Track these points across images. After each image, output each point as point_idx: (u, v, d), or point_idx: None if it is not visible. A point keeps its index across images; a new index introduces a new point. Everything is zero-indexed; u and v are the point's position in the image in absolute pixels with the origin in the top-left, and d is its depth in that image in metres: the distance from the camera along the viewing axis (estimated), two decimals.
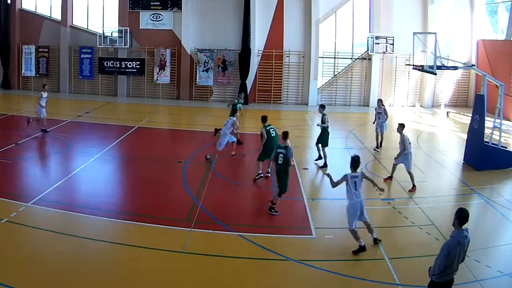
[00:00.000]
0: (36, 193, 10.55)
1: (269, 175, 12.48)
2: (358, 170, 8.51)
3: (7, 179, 11.76)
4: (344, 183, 8.46)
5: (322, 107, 14.24)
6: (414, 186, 11.77)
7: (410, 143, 12.07)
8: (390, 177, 12.42)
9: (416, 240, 9.13)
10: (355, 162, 8.48)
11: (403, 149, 11.89)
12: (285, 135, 10.47)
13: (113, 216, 9.70)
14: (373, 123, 16.31)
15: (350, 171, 8.48)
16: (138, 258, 8.01)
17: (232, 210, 10.47)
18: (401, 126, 12.22)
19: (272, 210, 10.08)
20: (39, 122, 16.69)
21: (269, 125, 12.65)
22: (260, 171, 12.40)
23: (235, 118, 14.28)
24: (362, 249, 8.34)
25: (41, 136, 16.32)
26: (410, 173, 11.86)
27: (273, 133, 12.45)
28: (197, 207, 10.23)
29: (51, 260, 7.75)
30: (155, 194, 11.25)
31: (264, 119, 12.91)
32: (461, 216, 5.82)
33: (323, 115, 13.97)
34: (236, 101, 16.36)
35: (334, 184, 8.55)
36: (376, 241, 8.62)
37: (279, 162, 10.08)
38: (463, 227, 5.82)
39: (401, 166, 12.22)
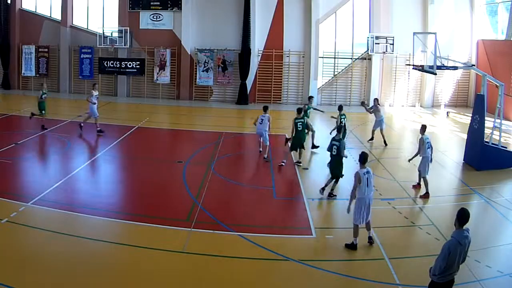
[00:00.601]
0: (36, 193, 10.55)
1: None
2: (367, 166, 8.72)
3: (7, 179, 11.76)
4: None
5: (340, 108, 14.30)
6: (427, 192, 11.23)
7: (429, 147, 11.44)
8: (426, 192, 11.29)
9: (416, 240, 9.14)
10: (363, 157, 8.72)
11: (417, 152, 11.52)
12: (340, 129, 11.56)
13: (113, 216, 9.70)
14: (370, 108, 16.84)
15: (359, 168, 8.69)
16: (138, 258, 8.01)
17: (232, 210, 10.48)
18: (423, 128, 11.67)
19: (332, 195, 11.08)
20: (91, 119, 16.97)
21: (298, 118, 13.15)
22: (284, 160, 13.34)
23: (269, 115, 14.29)
24: (353, 246, 8.45)
25: (96, 135, 16.66)
26: (424, 179, 11.37)
27: (299, 127, 13.08)
28: (197, 207, 10.22)
29: (51, 260, 7.75)
30: (155, 194, 11.25)
31: (298, 111, 13.41)
32: (462, 216, 5.82)
33: (339, 115, 14.27)
34: (307, 106, 15.89)
35: (354, 191, 8.58)
36: (370, 240, 8.62)
37: (333, 153, 11.02)
38: (464, 227, 5.83)
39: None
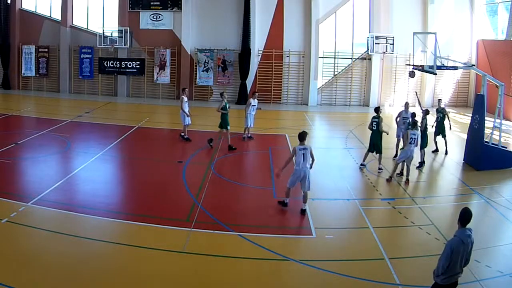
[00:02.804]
0: (36, 193, 10.55)
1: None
2: (306, 144, 9.93)
3: (7, 179, 11.75)
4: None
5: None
6: (408, 179, 12.30)
7: (412, 143, 12.09)
8: (407, 179, 12.44)
9: (416, 240, 9.13)
10: (301, 135, 9.97)
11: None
12: (377, 109, 13.45)
13: (113, 216, 9.71)
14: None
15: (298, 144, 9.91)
16: (138, 258, 8.01)
17: (232, 210, 10.47)
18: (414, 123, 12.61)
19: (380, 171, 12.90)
20: (184, 128, 16.29)
21: (374, 117, 13.37)
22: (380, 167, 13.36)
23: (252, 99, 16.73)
24: (283, 204, 10.16)
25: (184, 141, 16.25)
26: (407, 167, 12.40)
27: (374, 127, 13.29)
28: (197, 207, 10.23)
29: (51, 260, 7.75)
30: (155, 194, 11.25)
31: (375, 110, 13.64)
32: (465, 216, 5.83)
33: (423, 119, 14.21)
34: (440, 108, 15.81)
35: (288, 160, 10.21)
36: (302, 213, 9.93)
37: (373, 128, 13.13)
38: (467, 226, 5.82)
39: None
